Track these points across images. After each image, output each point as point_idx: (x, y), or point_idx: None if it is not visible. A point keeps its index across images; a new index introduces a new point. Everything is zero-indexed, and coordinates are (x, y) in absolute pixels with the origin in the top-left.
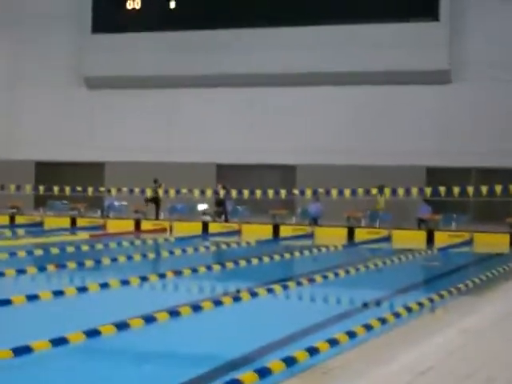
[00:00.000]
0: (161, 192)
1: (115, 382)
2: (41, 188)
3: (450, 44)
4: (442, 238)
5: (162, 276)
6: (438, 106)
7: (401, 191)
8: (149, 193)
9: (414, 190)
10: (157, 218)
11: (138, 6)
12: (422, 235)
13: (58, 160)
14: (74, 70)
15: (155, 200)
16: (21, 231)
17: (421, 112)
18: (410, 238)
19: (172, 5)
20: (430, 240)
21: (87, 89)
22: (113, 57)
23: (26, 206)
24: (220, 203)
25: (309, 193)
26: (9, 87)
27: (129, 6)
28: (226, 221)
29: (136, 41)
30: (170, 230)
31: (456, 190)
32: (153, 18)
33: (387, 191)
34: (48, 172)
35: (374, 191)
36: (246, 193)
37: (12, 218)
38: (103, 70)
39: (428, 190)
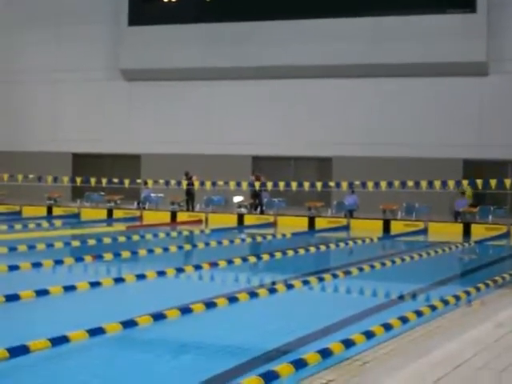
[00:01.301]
0: (196, 184)
1: (152, 373)
2: (78, 180)
3: (487, 36)
4: (478, 231)
5: (198, 267)
6: (475, 99)
7: (437, 183)
8: (185, 186)
9: (451, 183)
10: (189, 210)
11: None
12: (458, 228)
13: (95, 152)
14: (111, 62)
15: (187, 192)
16: (58, 222)
17: (457, 104)
18: (447, 231)
19: None
20: (467, 233)
21: (124, 81)
22: (149, 49)
23: (63, 198)
24: (255, 195)
25: (344, 185)
26: (48, 81)
27: None
28: (262, 213)
29: (172, 33)
30: (206, 222)
31: (493, 182)
32: (189, 11)
33: (423, 184)
34: (85, 164)
35: (411, 184)
36: (281, 185)
37: (49, 210)
38: (140, 63)
39: (465, 183)
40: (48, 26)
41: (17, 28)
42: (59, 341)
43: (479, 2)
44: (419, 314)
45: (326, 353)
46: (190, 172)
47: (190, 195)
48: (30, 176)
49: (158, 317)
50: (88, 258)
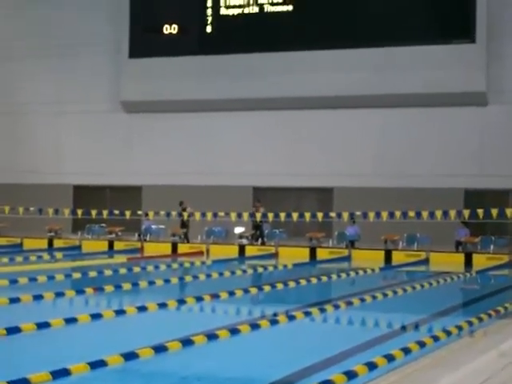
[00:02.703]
0: (186, 215)
1: None
2: (79, 212)
3: (486, 66)
4: (480, 261)
5: (199, 299)
6: (475, 128)
7: (438, 214)
8: (186, 216)
9: (452, 213)
10: (185, 241)
11: (174, 31)
12: (460, 258)
13: (95, 184)
14: (111, 94)
15: (182, 223)
16: (59, 254)
17: (458, 134)
18: (448, 261)
19: (208, 29)
20: (469, 263)
21: (125, 113)
22: (150, 81)
23: (64, 230)
24: (257, 226)
25: (346, 215)
26: (49, 112)
27: (165, 30)
28: (263, 244)
29: (173, 65)
30: (207, 254)
31: (494, 212)
32: (189, 43)
33: (424, 214)
34: (86, 196)
35: (412, 214)
36: (282, 216)
37: (50, 242)
38: (141, 95)
39: (466, 213)
40: (49, 58)
41: (18, 59)
42: (60, 374)
43: (478, 32)
44: (421, 344)
45: None
46: (185, 203)
47: (184, 226)
48: (31, 208)
49: (160, 349)
50: (89, 290)
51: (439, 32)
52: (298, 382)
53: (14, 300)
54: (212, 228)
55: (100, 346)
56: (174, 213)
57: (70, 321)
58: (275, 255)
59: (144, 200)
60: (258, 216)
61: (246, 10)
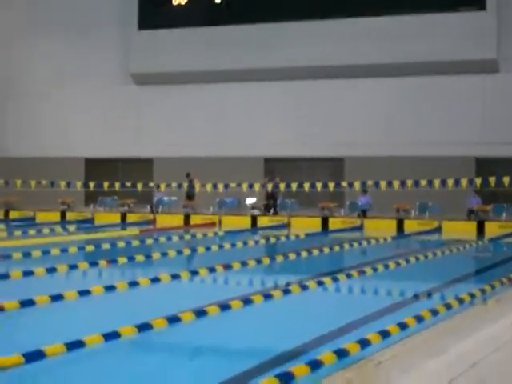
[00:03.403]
0: (197, 186)
1: (167, 376)
2: (91, 184)
3: (497, 33)
4: (492, 229)
5: (212, 270)
6: (486, 96)
7: (450, 182)
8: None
9: (464, 181)
10: (192, 213)
11: (183, 2)
12: (472, 226)
13: (107, 156)
14: (121, 66)
15: (188, 194)
16: (72, 227)
17: (469, 102)
18: (461, 229)
19: (217, 0)
20: (481, 231)
21: (135, 85)
22: (159, 53)
23: (76, 203)
24: (270, 196)
25: (357, 185)
26: (58, 86)
27: (174, 1)
28: (276, 214)
29: (182, 37)
30: (219, 225)
31: (506, 180)
32: (198, 14)
33: (436, 183)
34: (98, 168)
35: (424, 183)
36: (294, 186)
37: (63, 215)
38: (150, 67)
39: (478, 181)
40: (58, 32)
41: (28, 35)
42: (75, 345)
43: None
44: (434, 312)
45: (341, 353)
46: (191, 174)
47: (190, 197)
48: (43, 182)
49: (173, 320)
50: (102, 263)
51: (450, 0)
52: (311, 351)
53: (28, 273)
54: (224, 199)
55: (113, 318)
56: (185, 184)
57: (84, 293)
58: (287, 225)
59: (155, 172)
60: (270, 186)
61: None
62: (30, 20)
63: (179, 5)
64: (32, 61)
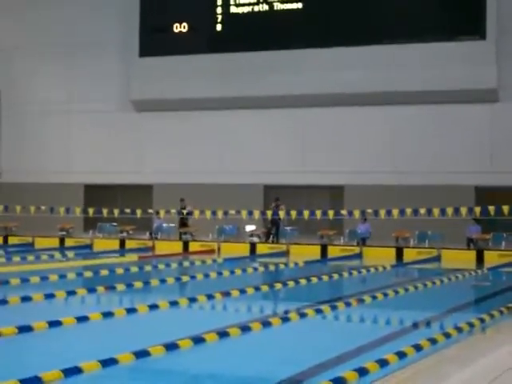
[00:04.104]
0: (184, 212)
1: None
2: (90, 210)
3: (497, 62)
4: (492, 258)
5: (211, 297)
6: (486, 125)
7: (449, 211)
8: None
9: (463, 210)
10: (181, 239)
11: (184, 30)
12: (471, 255)
13: (107, 183)
14: (121, 93)
15: (182, 220)
16: (71, 253)
17: (469, 131)
18: (460, 258)
19: (218, 27)
20: (480, 260)
21: (135, 112)
22: (160, 80)
23: (75, 229)
24: (273, 223)
25: (357, 213)
26: (60, 112)
27: (175, 29)
28: (277, 241)
29: (183, 64)
30: (218, 252)
31: (506, 208)
32: (199, 41)
33: (435, 211)
34: (97, 194)
35: (423, 211)
36: (293, 213)
37: (62, 241)
38: (151, 94)
39: (477, 210)
40: (60, 57)
41: (30, 59)
42: (72, 372)
43: (489, 28)
44: (433, 341)
45: (339, 381)
46: (185, 200)
47: (184, 223)
48: (43, 207)
49: (171, 347)
50: (100, 289)
51: (449, 29)
52: (309, 379)
53: (26, 299)
54: (223, 226)
55: (111, 345)
56: (184, 211)
57: (82, 319)
58: (286, 253)
59: (155, 198)
60: (281, 213)
61: (256, 8)
62: (32, 42)
63: (180, 32)
64: (32, 85)
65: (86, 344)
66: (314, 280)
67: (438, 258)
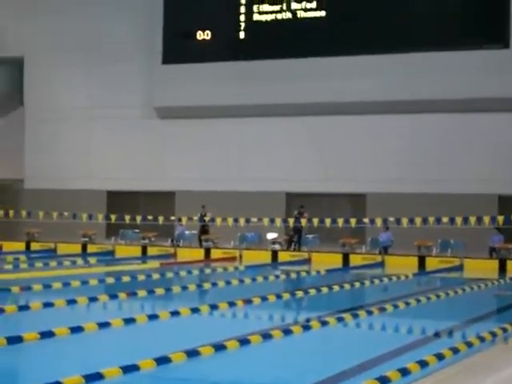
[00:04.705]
0: (207, 219)
1: None
2: (112, 217)
3: None
4: None
5: (232, 304)
6: (509, 134)
7: (472, 220)
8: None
9: (486, 219)
10: (201, 246)
11: (207, 37)
12: (494, 264)
13: (129, 189)
14: (144, 100)
15: (203, 227)
16: (93, 260)
17: (492, 140)
18: (482, 268)
19: (241, 35)
20: (503, 269)
21: (158, 119)
22: (183, 87)
23: (97, 235)
24: (296, 231)
25: (379, 221)
26: (83, 118)
27: (199, 36)
28: (299, 249)
29: (206, 71)
30: (240, 259)
31: None
32: (222, 49)
33: (458, 220)
34: (119, 201)
35: (445, 220)
36: (315, 221)
37: (84, 247)
38: (174, 101)
39: (500, 219)
40: (84, 64)
41: (52, 66)
42: (93, 378)
43: None
44: (455, 350)
45: None
46: (207, 208)
47: (205, 230)
48: (65, 213)
49: (192, 354)
50: (122, 295)
51: (472, 37)
52: None
53: (48, 304)
54: (245, 233)
55: (133, 351)
56: (207, 218)
57: (103, 325)
58: (308, 261)
59: (177, 205)
60: (304, 222)
61: (279, 16)
62: (54, 48)
63: (203, 40)
64: (56, 92)
65: (107, 350)
66: (336, 288)
67: (460, 267)
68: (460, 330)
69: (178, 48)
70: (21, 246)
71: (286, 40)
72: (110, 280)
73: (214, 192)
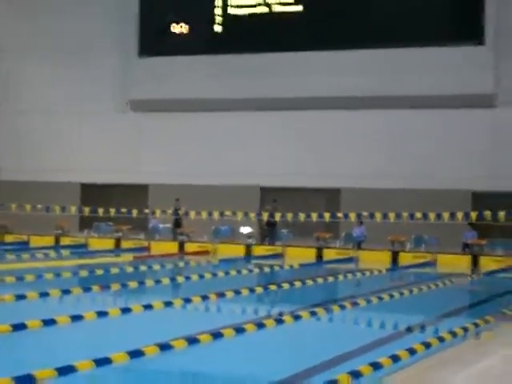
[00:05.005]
0: (180, 213)
1: None
2: (86, 209)
3: (495, 68)
4: (487, 263)
5: (205, 298)
6: (483, 130)
7: (446, 215)
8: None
9: (460, 215)
10: (175, 239)
11: (184, 30)
12: (467, 260)
13: (103, 182)
14: (119, 93)
15: (176, 221)
16: (66, 252)
17: (466, 136)
18: (456, 263)
19: (217, 28)
20: (475, 265)
21: (133, 112)
22: (159, 80)
23: (71, 228)
24: (270, 225)
25: (353, 216)
26: (57, 111)
27: (174, 29)
28: (272, 243)
29: (181, 64)
30: (214, 253)
31: (502, 214)
32: (198, 42)
33: (431, 216)
34: (93, 194)
35: (419, 215)
36: (289, 216)
37: (57, 239)
38: (149, 94)
39: (473, 215)
40: (59, 57)
41: (27, 60)
42: (65, 370)
43: (487, 34)
44: (427, 345)
45: None
46: (181, 201)
47: (178, 225)
48: (38, 206)
49: (165, 347)
50: (95, 288)
51: (448, 34)
52: (302, 381)
53: (21, 297)
54: (219, 227)
55: (105, 344)
56: (180, 211)
57: (76, 318)
58: (282, 255)
59: (151, 198)
60: (277, 216)
61: (256, 10)
62: (31, 43)
63: (180, 33)
64: (30, 85)
65: (79, 343)
66: (309, 282)
67: (433, 263)
68: (432, 325)
69: (154, 41)
70: None
71: (263, 34)
72: (83, 273)
73: (188, 185)
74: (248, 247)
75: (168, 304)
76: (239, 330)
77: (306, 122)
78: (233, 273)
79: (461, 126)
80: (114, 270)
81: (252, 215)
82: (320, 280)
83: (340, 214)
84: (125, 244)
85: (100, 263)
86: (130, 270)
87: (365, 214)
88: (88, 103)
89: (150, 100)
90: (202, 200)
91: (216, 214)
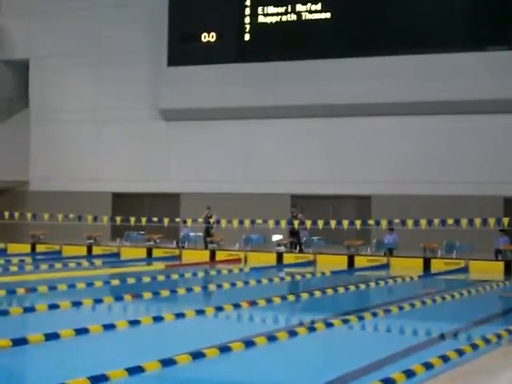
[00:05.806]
0: (212, 220)
1: None
2: (118, 219)
3: None
4: None
5: (237, 306)
6: None
7: (478, 221)
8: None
9: (491, 221)
10: (206, 248)
11: (212, 39)
12: (499, 266)
13: (134, 191)
14: (150, 102)
15: (207, 229)
16: (98, 261)
17: (496, 141)
18: (488, 269)
19: (246, 37)
20: (508, 271)
21: (163, 121)
22: (188, 89)
23: (103, 237)
24: (294, 233)
25: (384, 223)
26: (88, 120)
27: (203, 38)
28: (301, 251)
29: (211, 73)
30: (245, 261)
31: None
32: (228, 51)
33: (463, 222)
34: (124, 203)
35: (451, 221)
36: (320, 223)
37: (89, 249)
38: (179, 103)
39: (505, 220)
40: (89, 66)
41: (58, 68)
42: (98, 379)
43: None
44: (460, 352)
45: None
46: (212, 209)
47: (208, 233)
48: (70, 215)
49: (197, 355)
50: (127, 297)
51: (475, 39)
52: None
53: (53, 306)
54: (250, 235)
55: (138, 352)
56: (212, 220)
57: (109, 327)
58: (313, 263)
59: (182, 207)
60: (296, 223)
61: (284, 18)
62: (62, 51)
63: (208, 42)
64: (61, 94)
65: (112, 352)
66: (341, 290)
67: (465, 269)
68: (465, 332)
69: (183, 50)
70: (26, 248)
71: (292, 42)
72: (115, 282)
73: (219, 194)
74: (279, 255)
75: (200, 312)
76: (271, 338)
77: (336, 129)
78: (264, 281)
79: (491, 131)
80: (146, 279)
81: (283, 223)
82: (352, 287)
83: (371, 221)
84: (156, 253)
85: (132, 272)
86: (161, 278)
87: (396, 220)
88: (118, 112)
89: (180, 109)
90: (233, 208)
91: (247, 222)
